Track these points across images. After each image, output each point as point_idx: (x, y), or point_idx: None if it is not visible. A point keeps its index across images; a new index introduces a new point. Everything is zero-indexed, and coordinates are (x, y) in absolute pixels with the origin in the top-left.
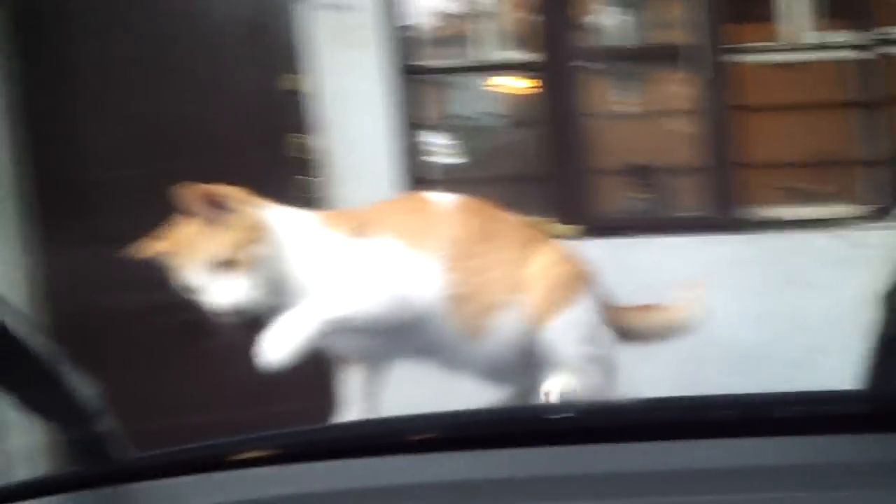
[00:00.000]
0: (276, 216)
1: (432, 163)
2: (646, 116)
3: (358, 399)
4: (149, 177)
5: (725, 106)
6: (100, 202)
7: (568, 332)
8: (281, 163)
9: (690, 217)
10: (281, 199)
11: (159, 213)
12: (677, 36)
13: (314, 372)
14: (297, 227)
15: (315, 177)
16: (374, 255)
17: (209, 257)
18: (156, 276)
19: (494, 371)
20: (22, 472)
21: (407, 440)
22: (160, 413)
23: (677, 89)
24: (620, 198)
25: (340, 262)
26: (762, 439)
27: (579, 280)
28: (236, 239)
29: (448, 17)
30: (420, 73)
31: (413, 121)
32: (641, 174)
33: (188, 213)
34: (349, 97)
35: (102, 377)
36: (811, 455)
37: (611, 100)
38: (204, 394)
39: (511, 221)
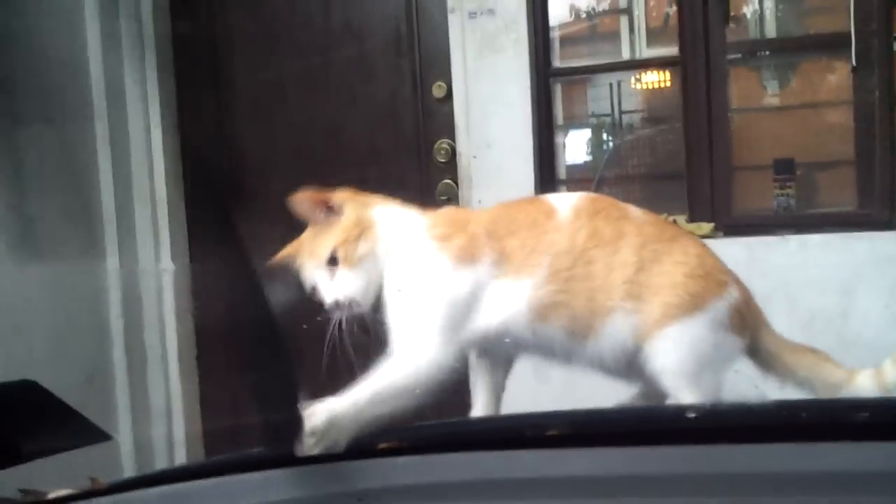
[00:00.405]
0: (383, 214)
1: (573, 162)
2: (796, 109)
3: (483, 395)
4: (301, 186)
5: (889, 97)
6: (252, 211)
7: (674, 348)
8: (429, 167)
9: (838, 214)
10: (427, 201)
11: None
12: (835, 24)
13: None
14: (400, 230)
15: (459, 179)
16: (473, 285)
17: (319, 256)
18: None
19: (609, 370)
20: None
21: (536, 435)
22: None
23: (832, 80)
24: (764, 194)
25: (435, 282)
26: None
27: (701, 293)
28: (341, 237)
29: (590, 15)
30: (563, 73)
31: (554, 121)
32: (786, 169)
33: (303, 218)
34: (492, 100)
35: (243, 373)
36: None
37: (759, 93)
38: (337, 390)
39: (638, 222)
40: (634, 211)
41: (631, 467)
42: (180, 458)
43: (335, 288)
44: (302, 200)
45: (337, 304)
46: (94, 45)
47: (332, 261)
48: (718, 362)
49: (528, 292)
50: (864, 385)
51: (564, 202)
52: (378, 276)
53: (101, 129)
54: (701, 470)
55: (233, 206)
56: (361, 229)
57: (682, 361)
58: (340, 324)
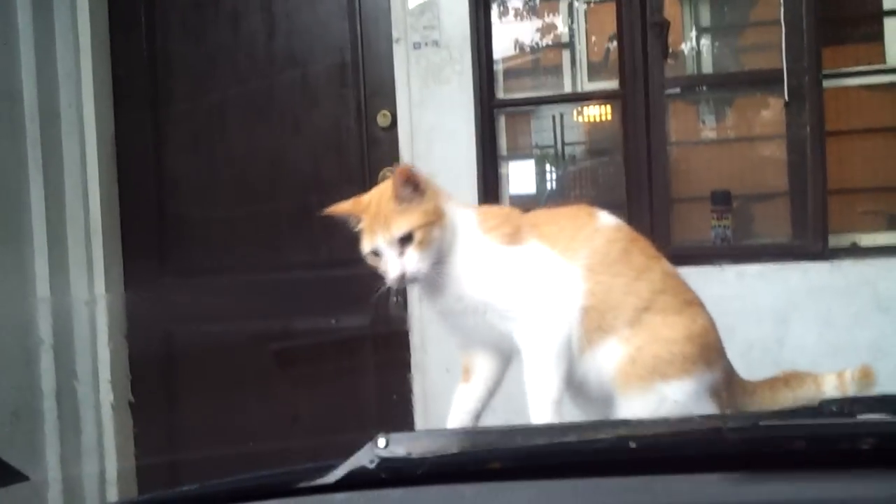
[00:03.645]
0: (450, 209)
1: (517, 192)
2: (733, 142)
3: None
4: (238, 215)
5: (820, 131)
6: (191, 239)
7: (650, 406)
8: None
9: (773, 244)
10: None
11: (246, 251)
12: (770, 61)
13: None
14: (460, 225)
15: None
16: (525, 260)
17: (394, 231)
18: (236, 309)
19: (589, 396)
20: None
21: (478, 469)
22: (238, 439)
23: (766, 115)
24: (702, 225)
25: (493, 267)
26: (834, 472)
27: (693, 359)
28: (423, 220)
29: (533, 49)
30: (506, 105)
31: (498, 151)
32: (723, 201)
33: (394, 190)
34: (437, 130)
35: (180, 406)
36: (886, 489)
37: (697, 126)
38: (275, 423)
39: (666, 270)
40: (667, 262)
41: (573, 499)
42: (112, 497)
43: (403, 263)
44: (404, 171)
45: (402, 278)
46: (29, 68)
47: (405, 239)
48: None
49: (579, 273)
50: (830, 393)
51: (609, 216)
52: (439, 261)
53: (34, 153)
54: (641, 501)
55: (170, 234)
56: (438, 217)
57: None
58: (387, 294)
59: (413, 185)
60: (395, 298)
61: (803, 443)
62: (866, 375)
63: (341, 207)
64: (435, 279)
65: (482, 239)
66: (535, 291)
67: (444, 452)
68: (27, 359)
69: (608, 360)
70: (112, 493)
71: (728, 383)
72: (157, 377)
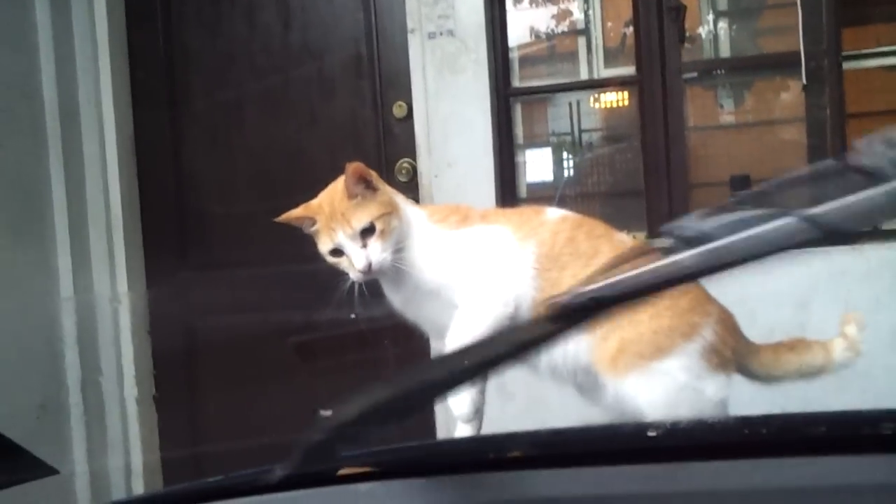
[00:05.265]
0: (401, 201)
1: (534, 180)
2: (752, 127)
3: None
4: (257, 208)
5: (840, 114)
6: (211, 234)
7: (644, 394)
8: (390, 186)
9: None
10: None
11: (267, 243)
12: (788, 44)
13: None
14: (413, 217)
15: (421, 198)
16: (475, 239)
17: (354, 225)
18: (256, 302)
19: (569, 384)
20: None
21: (498, 458)
22: (261, 432)
23: (785, 98)
24: None
25: (446, 248)
26: (855, 457)
27: (667, 333)
28: (381, 210)
29: (549, 36)
30: (522, 93)
31: (514, 140)
32: (743, 185)
33: (346, 186)
34: (453, 120)
35: (203, 399)
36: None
37: (715, 111)
38: (297, 415)
39: (615, 245)
40: (620, 236)
41: (594, 487)
42: (138, 489)
43: (368, 254)
44: (356, 169)
45: (368, 269)
46: (48, 65)
47: (367, 231)
48: (703, 402)
49: (529, 261)
50: (841, 357)
51: (556, 210)
52: (399, 249)
53: (55, 151)
54: (663, 489)
55: (190, 229)
56: (394, 208)
57: (657, 405)
58: (359, 287)
59: (365, 182)
60: (353, 315)
61: (824, 428)
62: (858, 322)
63: (293, 213)
64: (396, 271)
65: (433, 228)
66: (485, 262)
67: (464, 441)
68: (53, 354)
69: (573, 349)
70: (138, 485)
71: (728, 333)
72: (180, 371)
